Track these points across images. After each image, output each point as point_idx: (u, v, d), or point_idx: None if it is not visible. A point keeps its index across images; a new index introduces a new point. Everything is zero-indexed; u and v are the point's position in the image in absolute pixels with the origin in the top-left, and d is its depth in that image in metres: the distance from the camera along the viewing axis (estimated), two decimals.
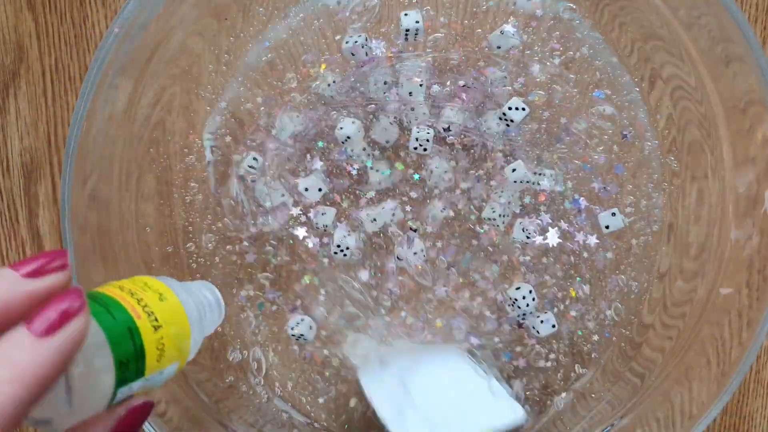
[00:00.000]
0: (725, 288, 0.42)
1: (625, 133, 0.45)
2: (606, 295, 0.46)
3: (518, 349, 0.46)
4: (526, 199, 0.45)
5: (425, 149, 0.44)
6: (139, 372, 0.26)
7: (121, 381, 0.26)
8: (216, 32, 0.44)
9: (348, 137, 0.43)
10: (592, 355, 0.47)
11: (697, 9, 0.40)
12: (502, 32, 0.44)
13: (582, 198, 0.45)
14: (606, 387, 0.46)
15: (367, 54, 0.44)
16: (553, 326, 0.45)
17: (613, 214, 0.45)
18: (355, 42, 0.43)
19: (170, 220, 0.46)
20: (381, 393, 0.40)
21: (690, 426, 0.41)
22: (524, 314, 0.45)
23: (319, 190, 0.44)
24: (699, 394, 0.42)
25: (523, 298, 0.44)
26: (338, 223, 0.45)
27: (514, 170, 0.44)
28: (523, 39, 0.44)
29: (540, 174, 0.45)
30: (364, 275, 0.45)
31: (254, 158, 0.45)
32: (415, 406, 0.38)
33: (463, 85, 0.44)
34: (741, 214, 0.42)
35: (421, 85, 0.44)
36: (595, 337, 0.46)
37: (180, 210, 0.46)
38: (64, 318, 0.23)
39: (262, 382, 0.46)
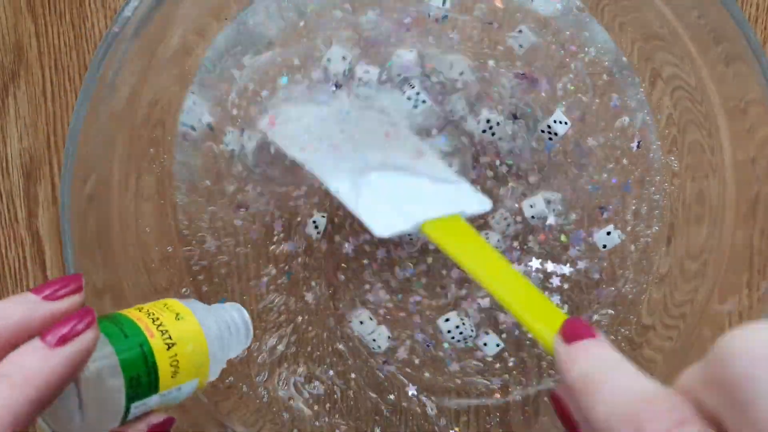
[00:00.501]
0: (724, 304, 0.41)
1: (638, 141, 0.44)
2: (600, 302, 0.46)
3: (473, 362, 0.45)
4: (530, 239, 0.43)
5: (494, 133, 0.40)
6: (153, 388, 0.28)
7: (133, 396, 0.27)
8: (216, 32, 0.44)
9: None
10: None
11: (697, 9, 0.40)
12: (520, 31, 0.43)
13: (582, 230, 0.44)
14: None
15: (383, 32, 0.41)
16: (497, 345, 0.43)
17: (608, 233, 0.44)
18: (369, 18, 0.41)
19: (170, 221, 0.45)
20: (333, 170, 0.34)
21: None
22: (459, 341, 0.43)
23: (344, 58, 0.37)
24: None
25: (449, 332, 0.41)
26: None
27: (532, 206, 0.42)
28: (538, 41, 0.43)
29: (553, 209, 0.42)
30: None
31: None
32: (370, 183, 0.33)
33: (522, 74, 0.42)
34: (741, 214, 0.42)
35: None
36: None
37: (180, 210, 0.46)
38: (75, 331, 0.25)
39: (266, 377, 0.46)
